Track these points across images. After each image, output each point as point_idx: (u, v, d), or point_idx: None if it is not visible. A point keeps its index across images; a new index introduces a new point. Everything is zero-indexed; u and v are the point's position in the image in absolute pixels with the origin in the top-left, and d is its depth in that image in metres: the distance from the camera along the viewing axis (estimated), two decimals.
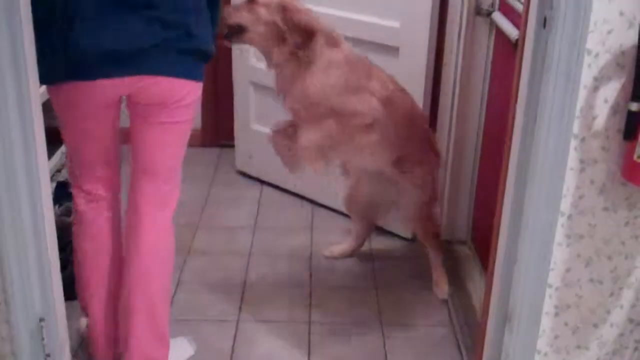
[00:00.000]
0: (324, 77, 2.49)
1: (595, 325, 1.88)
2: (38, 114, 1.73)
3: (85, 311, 2.31)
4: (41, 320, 1.89)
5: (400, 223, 3.10)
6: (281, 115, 3.51)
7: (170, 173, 2.20)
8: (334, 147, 2.58)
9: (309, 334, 2.66)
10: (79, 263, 2.24)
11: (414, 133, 2.73)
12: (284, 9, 2.44)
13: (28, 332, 1.88)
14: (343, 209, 3.19)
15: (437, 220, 2.96)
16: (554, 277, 1.82)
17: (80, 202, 2.20)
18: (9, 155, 1.70)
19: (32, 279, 1.82)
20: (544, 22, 1.63)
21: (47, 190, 1.81)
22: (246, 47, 3.14)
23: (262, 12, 2.43)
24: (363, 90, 2.55)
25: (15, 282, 1.82)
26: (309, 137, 2.54)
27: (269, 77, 3.60)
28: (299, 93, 2.53)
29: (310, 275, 3.03)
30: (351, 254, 3.15)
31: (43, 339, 1.90)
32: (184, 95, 2.07)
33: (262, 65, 3.59)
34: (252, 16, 2.43)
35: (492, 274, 1.97)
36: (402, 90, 2.70)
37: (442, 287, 2.91)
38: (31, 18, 1.67)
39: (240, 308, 2.79)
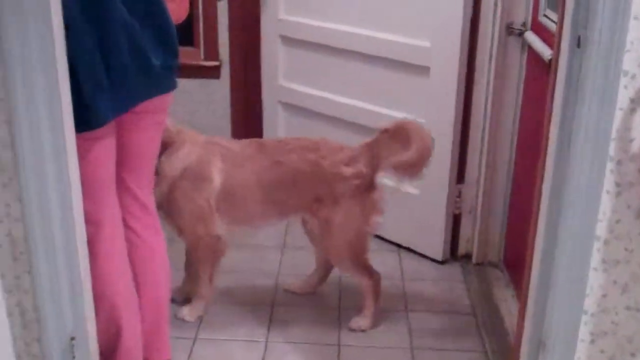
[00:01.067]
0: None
1: (633, 355, 1.82)
2: (69, 126, 1.74)
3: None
4: (72, 338, 1.88)
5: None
6: (310, 135, 3.52)
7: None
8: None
9: (339, 356, 2.63)
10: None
11: (299, 184, 2.67)
12: None
13: (59, 351, 1.87)
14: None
15: (366, 253, 2.78)
16: (589, 303, 1.77)
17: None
18: (40, 171, 1.70)
19: (63, 297, 1.82)
20: (578, 42, 1.61)
21: (79, 208, 1.81)
22: None
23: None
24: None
25: (47, 301, 1.82)
26: (204, 289, 2.81)
27: (298, 97, 3.64)
28: None
29: (340, 297, 3.01)
30: (313, 288, 3.03)
31: (74, 357, 1.90)
32: None
33: (291, 84, 3.66)
34: None
35: (525, 299, 1.93)
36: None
37: (360, 320, 2.79)
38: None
39: (269, 328, 2.78)
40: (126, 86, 2.04)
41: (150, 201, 2.32)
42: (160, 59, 2.12)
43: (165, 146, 2.53)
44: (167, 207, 2.63)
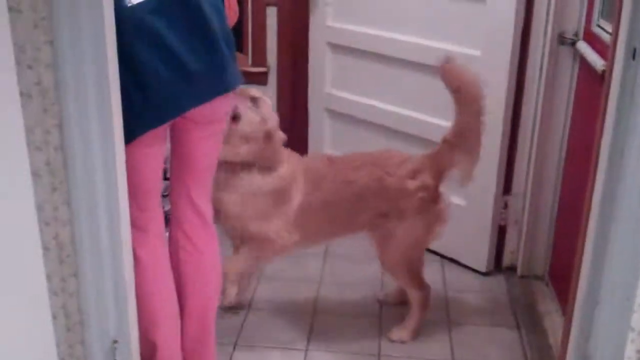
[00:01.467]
0: (243, 204, 2.59)
1: None
2: (119, 132, 1.76)
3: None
4: (115, 342, 1.90)
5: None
6: (355, 143, 3.51)
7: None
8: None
9: None
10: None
11: (365, 201, 2.65)
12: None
13: (102, 353, 1.89)
14: None
15: (422, 267, 2.78)
16: (637, 321, 1.73)
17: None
18: (90, 176, 1.73)
19: (107, 301, 1.85)
20: (633, 54, 1.57)
21: (125, 213, 1.83)
22: None
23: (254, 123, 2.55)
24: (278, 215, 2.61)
25: (91, 304, 1.84)
26: (231, 264, 2.69)
27: (344, 104, 3.63)
28: (220, 209, 2.57)
29: (381, 306, 2.99)
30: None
31: None
32: None
33: (338, 91, 3.65)
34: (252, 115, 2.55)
35: (571, 313, 1.89)
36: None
37: (401, 331, 2.77)
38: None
39: (309, 337, 2.77)
40: (159, 98, 1.97)
41: (208, 210, 2.30)
42: (203, 61, 2.03)
43: (263, 158, 2.55)
44: (237, 212, 2.60)
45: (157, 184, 2.16)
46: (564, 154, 2.93)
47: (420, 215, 2.63)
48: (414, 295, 2.76)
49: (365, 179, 2.63)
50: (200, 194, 2.27)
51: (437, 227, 2.69)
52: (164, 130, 2.08)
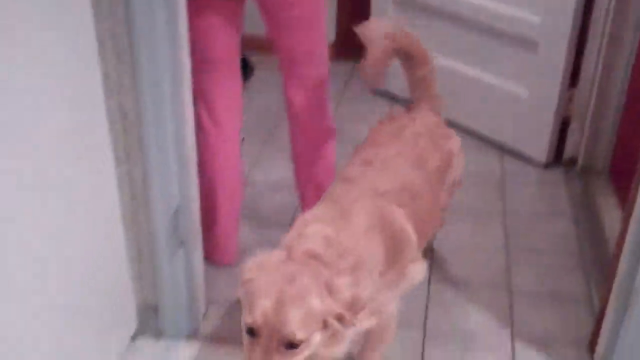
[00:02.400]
0: None
1: None
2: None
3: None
4: (177, 210, 1.96)
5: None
6: (422, 31, 3.42)
7: None
8: None
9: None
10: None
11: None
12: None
13: (165, 220, 1.96)
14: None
15: None
16: None
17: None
18: (154, 48, 1.74)
19: (171, 171, 1.90)
20: None
21: (187, 82, 1.84)
22: None
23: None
24: None
25: (155, 174, 1.89)
26: None
27: None
28: None
29: None
30: None
31: (178, 227, 1.99)
32: None
33: None
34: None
35: (630, 209, 1.87)
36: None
37: None
38: None
39: None
40: None
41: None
42: None
43: None
44: None
45: (223, 53, 2.21)
46: (637, 41, 2.78)
47: None
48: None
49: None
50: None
51: None
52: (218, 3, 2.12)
